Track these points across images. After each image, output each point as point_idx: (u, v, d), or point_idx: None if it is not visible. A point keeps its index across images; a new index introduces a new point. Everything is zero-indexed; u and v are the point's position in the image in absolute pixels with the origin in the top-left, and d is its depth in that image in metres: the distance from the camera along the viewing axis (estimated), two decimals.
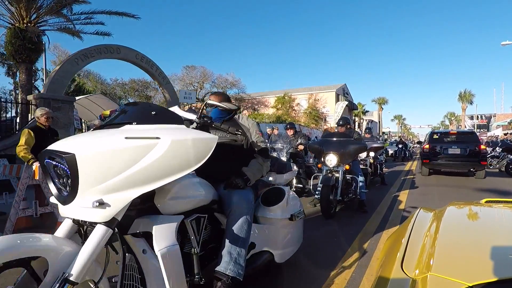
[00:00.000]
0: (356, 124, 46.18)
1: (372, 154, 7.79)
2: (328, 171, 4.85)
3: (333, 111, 33.52)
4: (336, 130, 5.36)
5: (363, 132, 8.90)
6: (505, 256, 1.01)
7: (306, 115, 33.46)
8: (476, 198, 3.99)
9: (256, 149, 2.34)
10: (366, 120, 53.01)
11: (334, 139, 5.01)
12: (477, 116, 51.56)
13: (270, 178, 2.93)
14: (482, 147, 9.66)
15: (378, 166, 7.97)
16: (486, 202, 1.83)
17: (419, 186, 8.04)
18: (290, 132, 6.76)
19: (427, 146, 10.33)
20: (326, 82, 39.98)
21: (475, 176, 9.66)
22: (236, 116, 2.45)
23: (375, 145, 7.92)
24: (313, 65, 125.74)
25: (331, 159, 4.74)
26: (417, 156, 22.48)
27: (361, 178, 5.17)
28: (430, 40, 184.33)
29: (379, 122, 51.42)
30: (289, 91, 35.15)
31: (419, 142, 25.33)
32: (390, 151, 20.32)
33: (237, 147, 2.32)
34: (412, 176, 10.38)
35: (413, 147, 30.21)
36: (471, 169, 9.74)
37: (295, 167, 3.22)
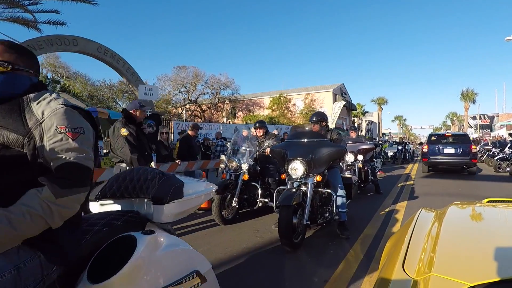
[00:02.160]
0: (355, 125, 44.86)
1: (360, 157, 6.52)
2: (297, 184, 3.58)
3: (331, 112, 32.21)
4: (307, 128, 4.09)
5: (348, 130, 7.60)
6: (507, 256, 1.00)
7: (303, 116, 32.18)
8: None
9: (52, 165, 1.07)
10: (366, 121, 51.64)
11: (304, 140, 3.74)
12: (480, 116, 50.21)
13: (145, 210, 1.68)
14: (473, 147, 10.96)
15: (370, 172, 6.68)
16: (488, 202, 1.80)
17: (419, 196, 6.75)
18: (259, 133, 5.50)
19: (426, 146, 11.73)
20: (323, 82, 38.57)
21: (468, 172, 10.96)
22: (29, 96, 1.15)
23: (364, 146, 6.65)
24: (310, 65, 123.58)
25: (296, 168, 3.47)
26: (419, 158, 21.19)
27: (340, 192, 3.89)
28: (431, 39, 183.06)
29: (378, 123, 50.07)
30: (284, 91, 33.94)
31: (421, 143, 23.92)
32: (390, 153, 19.00)
33: (6, 159, 1.04)
34: (411, 182, 9.09)
35: (413, 148, 28.83)
36: (464, 166, 11.09)
37: (211, 187, 1.93)
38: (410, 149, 20.57)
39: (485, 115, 53.79)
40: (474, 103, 39.38)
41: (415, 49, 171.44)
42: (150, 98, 8.16)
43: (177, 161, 5.42)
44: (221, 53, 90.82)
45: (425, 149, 11.65)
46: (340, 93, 35.65)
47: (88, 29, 60.06)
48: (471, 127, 48.73)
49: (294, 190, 3.38)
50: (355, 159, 6.56)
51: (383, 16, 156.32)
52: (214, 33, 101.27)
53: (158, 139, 5.82)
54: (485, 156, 17.25)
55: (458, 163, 11.05)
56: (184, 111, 30.75)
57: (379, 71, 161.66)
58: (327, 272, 2.83)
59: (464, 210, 1.79)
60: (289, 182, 3.59)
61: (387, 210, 5.38)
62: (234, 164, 4.73)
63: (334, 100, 33.43)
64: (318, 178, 3.45)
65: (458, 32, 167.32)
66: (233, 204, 4.54)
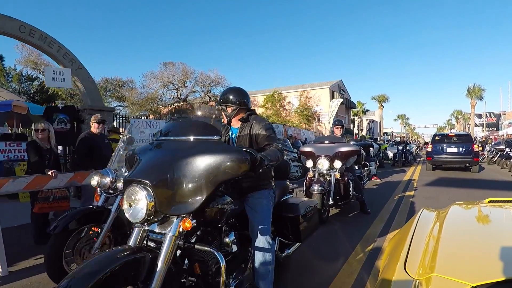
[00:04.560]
0: (356, 124, 42.74)
1: (338, 164, 4.58)
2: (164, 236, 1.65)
3: (327, 110, 30.23)
4: (200, 113, 2.20)
5: (332, 125, 5.60)
6: (509, 256, 0.99)
7: (298, 115, 30.20)
8: None
9: None
10: (366, 119, 49.47)
11: (181, 137, 1.79)
12: (486, 114, 47.97)
13: None
14: (475, 146, 11.44)
15: (351, 184, 4.73)
16: (490, 201, 1.79)
17: None
18: None
19: (430, 146, 12.36)
20: (321, 79, 36.04)
21: (471, 171, 11.39)
22: None
23: (344, 148, 4.71)
24: (307, 61, 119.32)
25: (137, 198, 1.53)
26: (422, 158, 19.16)
27: (262, 242, 1.97)
28: (433, 35, 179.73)
29: (380, 121, 47.95)
30: (279, 89, 31.96)
31: (427, 143, 21.94)
32: (390, 154, 16.98)
33: None
34: (412, 193, 7.11)
35: (417, 149, 26.70)
36: (466, 165, 11.62)
37: None
38: (412, 149, 18.46)
39: (491, 113, 51.60)
40: (481, 99, 37.10)
41: (417, 45, 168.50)
42: (62, 85, 6.29)
43: (49, 172, 3.54)
44: (210, 49, 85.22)
45: (429, 149, 12.27)
46: (338, 90, 33.61)
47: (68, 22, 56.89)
48: (477, 125, 46.48)
49: (135, 256, 1.45)
50: (331, 167, 4.63)
51: (384, 9, 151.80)
52: (202, 26, 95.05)
53: (30, 139, 3.94)
54: (497, 157, 15.20)
55: (461, 162, 11.59)
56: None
57: (380, 68, 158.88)
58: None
59: (466, 210, 1.77)
60: (135, 231, 1.66)
61: (368, 249, 3.43)
62: (107, 181, 2.82)
63: (332, 97, 31.44)
64: (187, 223, 1.52)
65: (461, 29, 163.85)
66: (93, 250, 2.62)
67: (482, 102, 39.35)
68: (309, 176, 4.79)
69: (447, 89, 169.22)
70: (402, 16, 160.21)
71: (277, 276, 2.23)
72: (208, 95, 30.99)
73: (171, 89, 31.37)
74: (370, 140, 14.64)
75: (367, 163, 9.57)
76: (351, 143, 5.07)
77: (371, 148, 11.72)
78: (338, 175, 4.56)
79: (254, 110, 2.53)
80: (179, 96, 31.27)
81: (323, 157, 4.67)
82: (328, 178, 4.61)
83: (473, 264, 1.00)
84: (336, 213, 5.09)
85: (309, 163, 4.78)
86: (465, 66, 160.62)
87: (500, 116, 49.53)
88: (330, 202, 4.42)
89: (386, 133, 53.27)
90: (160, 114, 30.48)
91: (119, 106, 29.33)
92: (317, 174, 4.70)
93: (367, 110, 47.06)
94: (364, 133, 43.20)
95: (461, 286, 0.84)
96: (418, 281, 0.93)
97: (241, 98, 2.36)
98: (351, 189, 4.69)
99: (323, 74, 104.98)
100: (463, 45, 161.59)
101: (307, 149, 4.96)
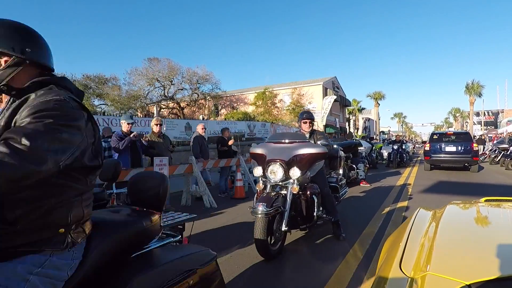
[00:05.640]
0: (351, 122, 41.42)
1: (296, 172, 3.21)
2: None
3: (320, 108, 28.87)
4: None
5: (299, 118, 4.17)
6: (503, 255, 0.99)
7: (290, 113, 28.82)
8: None
9: None
10: (362, 118, 48.18)
11: None
12: (484, 113, 46.90)
13: None
14: (474, 145, 11.05)
15: (315, 200, 3.35)
16: (486, 201, 1.80)
17: None
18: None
19: (428, 145, 11.82)
20: (315, 77, 34.41)
21: (471, 170, 10.92)
22: None
23: (305, 150, 3.35)
24: (301, 59, 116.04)
25: None
26: (419, 158, 17.89)
27: None
28: (431, 32, 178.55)
29: (376, 120, 46.64)
30: (270, 86, 30.59)
31: (424, 142, 20.79)
32: (385, 154, 15.66)
33: None
34: (405, 203, 5.75)
35: (413, 148, 25.38)
36: (465, 164, 11.20)
37: None
38: (408, 148, 17.10)
39: (490, 111, 50.62)
40: (480, 96, 35.80)
41: (414, 42, 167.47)
42: None
43: None
44: (199, 46, 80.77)
45: (427, 148, 11.71)
46: (332, 87, 32.24)
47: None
48: (475, 123, 45.37)
49: None
50: (286, 176, 3.26)
51: (380, 5, 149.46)
52: (191, 23, 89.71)
53: None
54: (500, 157, 13.90)
55: (460, 161, 11.19)
56: (155, 108, 27.52)
57: (376, 65, 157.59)
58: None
59: (462, 209, 1.77)
60: None
61: None
62: None
63: (325, 94, 30.06)
64: None
65: (459, 27, 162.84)
66: None
67: (480, 100, 38.16)
68: (258, 189, 3.42)
69: (445, 87, 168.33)
70: (399, 12, 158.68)
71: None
72: (196, 93, 29.61)
73: (158, 87, 29.91)
74: (357, 139, 13.13)
75: (354, 166, 8.24)
76: (320, 142, 3.69)
77: (360, 148, 10.34)
78: (296, 189, 3.18)
79: (60, 78, 1.18)
80: (166, 93, 29.88)
81: (277, 162, 3.30)
82: (284, 193, 3.24)
83: (468, 263, 1.00)
84: (299, 237, 3.72)
85: (258, 171, 3.41)
86: (462, 63, 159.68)
87: (498, 114, 48.57)
88: (284, 228, 3.04)
89: (382, 131, 51.98)
90: (148, 112, 29.08)
91: (101, 104, 27.92)
92: (268, 186, 3.34)
93: (363, 108, 45.75)
94: (360, 131, 41.89)
95: (456, 284, 0.84)
96: (413, 279, 0.93)
97: (13, 41, 1.02)
98: (316, 209, 3.31)
99: (317, 71, 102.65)
100: (461, 43, 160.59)
101: (258, 150, 3.58)
